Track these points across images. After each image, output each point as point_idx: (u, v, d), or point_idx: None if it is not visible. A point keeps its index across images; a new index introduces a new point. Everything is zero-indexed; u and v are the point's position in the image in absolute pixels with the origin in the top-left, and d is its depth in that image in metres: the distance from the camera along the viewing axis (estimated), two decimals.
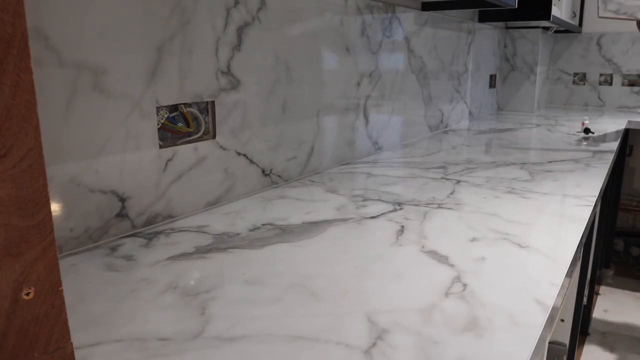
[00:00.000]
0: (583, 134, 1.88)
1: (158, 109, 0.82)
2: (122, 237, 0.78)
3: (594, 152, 1.52)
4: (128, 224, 0.80)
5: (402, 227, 0.83)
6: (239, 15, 0.94)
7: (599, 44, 2.86)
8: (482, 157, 1.43)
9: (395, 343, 0.50)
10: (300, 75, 1.12)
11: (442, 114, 1.94)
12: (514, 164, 1.34)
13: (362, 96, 1.37)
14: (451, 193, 1.04)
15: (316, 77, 1.18)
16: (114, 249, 0.74)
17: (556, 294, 0.60)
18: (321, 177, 1.18)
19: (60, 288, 0.33)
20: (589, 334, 2.11)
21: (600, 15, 1.53)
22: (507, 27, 2.61)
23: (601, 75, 2.87)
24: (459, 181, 1.15)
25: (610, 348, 2.04)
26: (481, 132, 1.95)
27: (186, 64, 0.85)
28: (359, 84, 1.35)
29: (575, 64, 2.94)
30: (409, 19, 1.56)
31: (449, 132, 1.93)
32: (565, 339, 1.27)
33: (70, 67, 0.69)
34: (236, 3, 0.93)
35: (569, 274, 0.68)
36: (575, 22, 2.73)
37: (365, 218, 0.88)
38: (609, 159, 1.41)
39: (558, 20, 2.22)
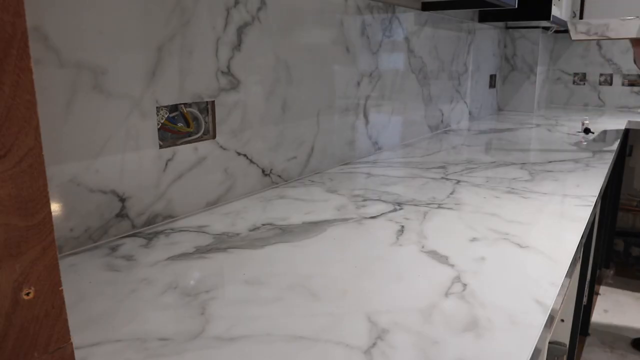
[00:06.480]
0: (583, 134, 1.88)
1: (158, 109, 0.82)
2: (122, 237, 0.78)
3: (594, 152, 1.52)
4: (128, 224, 0.80)
5: (402, 227, 0.83)
6: (239, 15, 0.94)
7: (598, 44, 2.85)
8: (482, 157, 1.43)
9: (395, 343, 0.50)
10: (300, 75, 1.12)
11: (442, 114, 1.94)
12: (514, 164, 1.34)
13: (362, 96, 1.37)
14: (451, 193, 1.04)
15: (316, 77, 1.18)
16: (114, 249, 0.74)
17: (556, 294, 0.60)
18: (321, 177, 1.18)
19: (60, 288, 0.33)
20: (589, 334, 2.11)
21: (573, 38, 1.56)
22: (507, 27, 2.61)
23: (601, 75, 2.87)
24: (459, 181, 1.15)
25: (610, 348, 2.04)
26: (481, 132, 1.95)
27: (186, 64, 0.85)
28: (359, 84, 1.35)
29: (575, 64, 2.94)
30: (409, 19, 1.56)
31: (449, 132, 1.93)
32: (565, 339, 1.27)
33: (70, 67, 0.69)
34: (236, 3, 0.93)
35: (569, 274, 0.68)
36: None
37: (365, 218, 0.88)
38: (609, 159, 1.41)
39: (558, 20, 2.22)
